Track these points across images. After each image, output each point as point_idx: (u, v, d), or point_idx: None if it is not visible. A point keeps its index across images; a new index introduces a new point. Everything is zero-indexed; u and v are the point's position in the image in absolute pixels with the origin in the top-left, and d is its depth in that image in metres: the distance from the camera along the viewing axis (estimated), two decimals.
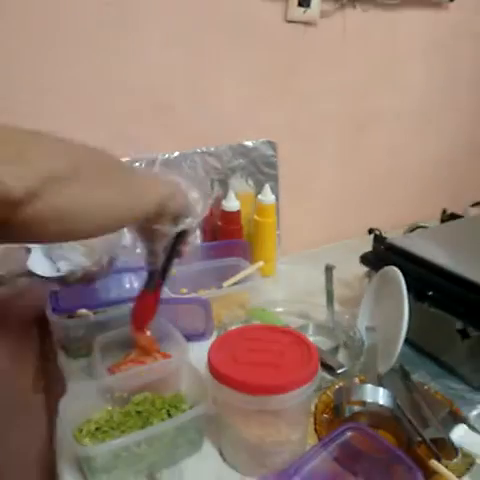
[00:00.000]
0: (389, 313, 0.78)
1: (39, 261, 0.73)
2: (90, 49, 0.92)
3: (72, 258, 0.71)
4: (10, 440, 1.04)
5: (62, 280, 0.73)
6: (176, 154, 1.04)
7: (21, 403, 1.04)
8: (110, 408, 0.66)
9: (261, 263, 1.00)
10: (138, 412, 0.65)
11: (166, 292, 0.87)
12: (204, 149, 1.06)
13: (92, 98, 0.94)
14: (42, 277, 0.73)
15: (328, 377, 0.73)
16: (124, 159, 0.98)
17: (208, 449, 0.65)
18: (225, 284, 0.95)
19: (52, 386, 0.89)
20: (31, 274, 0.73)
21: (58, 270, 0.72)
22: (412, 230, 1.06)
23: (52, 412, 0.93)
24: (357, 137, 1.27)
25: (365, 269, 0.96)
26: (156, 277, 0.69)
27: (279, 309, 0.93)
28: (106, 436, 0.61)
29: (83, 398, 0.65)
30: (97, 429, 0.62)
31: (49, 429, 1.05)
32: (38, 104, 0.90)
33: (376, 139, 1.30)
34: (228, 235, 1.06)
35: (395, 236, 0.93)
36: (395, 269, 0.79)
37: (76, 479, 0.61)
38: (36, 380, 1.04)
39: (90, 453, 0.58)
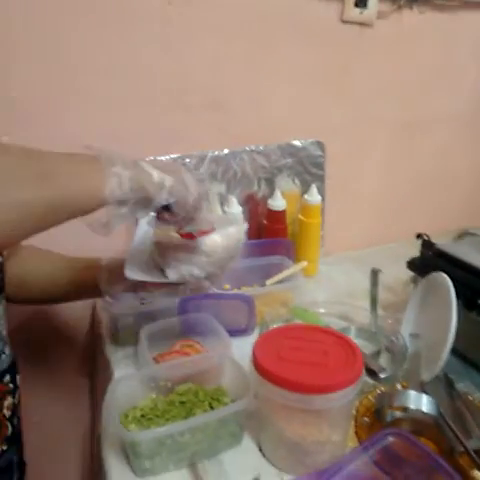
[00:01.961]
0: (435, 320, 0.77)
1: (139, 269, 0.69)
2: (143, 44, 0.94)
3: (185, 267, 0.66)
4: (54, 418, 1.09)
5: (173, 289, 0.70)
6: (226, 152, 1.05)
7: (67, 384, 1.09)
8: (154, 396, 0.68)
9: (305, 263, 1.00)
10: (181, 402, 0.66)
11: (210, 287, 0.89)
12: (253, 147, 1.07)
13: (142, 94, 0.96)
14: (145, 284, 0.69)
15: (370, 381, 0.73)
16: (174, 156, 1.00)
17: (248, 443, 0.66)
18: (268, 282, 0.95)
19: (98, 371, 0.92)
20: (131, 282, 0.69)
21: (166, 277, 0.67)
22: (461, 236, 1.03)
23: (96, 397, 0.97)
24: (408, 140, 1.25)
25: (410, 274, 0.94)
26: None
27: (321, 310, 0.93)
28: (151, 423, 0.63)
29: (129, 385, 0.67)
30: (142, 416, 0.64)
31: (91, 412, 1.09)
32: (86, 102, 0.94)
33: (427, 142, 1.27)
34: (273, 234, 1.06)
35: (444, 242, 0.91)
36: (444, 275, 0.77)
37: (120, 462, 0.63)
38: (83, 364, 1.08)
39: (136, 438, 0.60)
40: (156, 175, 0.57)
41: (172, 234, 0.68)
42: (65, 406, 1.10)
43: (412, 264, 0.90)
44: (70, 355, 1.08)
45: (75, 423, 1.12)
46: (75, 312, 1.03)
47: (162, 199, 0.57)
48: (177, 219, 0.62)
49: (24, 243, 0.85)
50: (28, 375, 0.78)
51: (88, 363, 1.06)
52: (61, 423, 1.10)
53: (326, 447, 0.60)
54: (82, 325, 1.05)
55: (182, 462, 0.63)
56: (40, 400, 1.04)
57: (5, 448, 0.70)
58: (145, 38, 0.93)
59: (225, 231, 0.68)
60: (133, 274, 0.68)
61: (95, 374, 0.97)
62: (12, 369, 0.73)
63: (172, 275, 0.67)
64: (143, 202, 0.57)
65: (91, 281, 0.76)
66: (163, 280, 0.68)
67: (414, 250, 0.94)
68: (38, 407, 1.00)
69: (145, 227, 0.73)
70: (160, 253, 0.69)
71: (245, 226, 0.72)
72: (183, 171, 0.61)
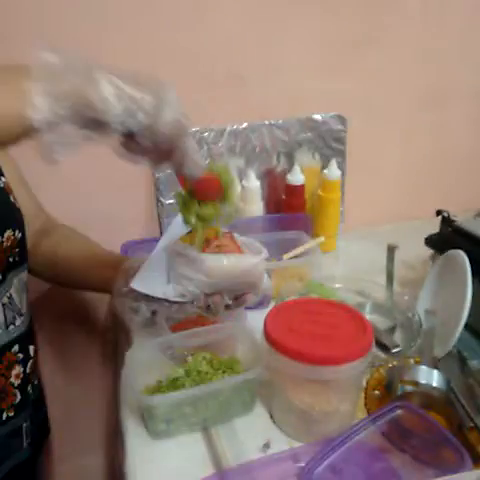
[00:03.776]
0: (451, 297, 0.77)
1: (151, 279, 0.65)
2: (159, 20, 0.93)
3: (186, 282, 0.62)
4: (78, 385, 1.13)
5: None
6: (244, 125, 1.05)
7: (92, 351, 1.13)
8: (171, 363, 0.70)
9: (322, 238, 1.00)
10: (197, 370, 0.68)
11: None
12: (272, 121, 1.07)
13: (161, 69, 0.96)
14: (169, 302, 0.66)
15: (382, 355, 0.74)
16: (193, 130, 1.00)
17: (260, 411, 0.68)
18: (285, 256, 0.96)
19: (122, 340, 0.95)
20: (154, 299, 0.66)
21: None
22: None
23: (119, 362, 1.00)
24: (432, 114, 1.21)
25: (430, 251, 0.94)
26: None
27: (337, 285, 0.93)
28: (167, 389, 0.66)
29: (147, 352, 0.70)
30: (159, 382, 0.67)
31: (115, 378, 1.13)
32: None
33: (450, 118, 1.24)
34: (291, 209, 1.06)
35: (464, 219, 0.89)
36: (461, 253, 0.77)
37: (137, 426, 0.66)
38: (106, 332, 1.11)
39: (152, 403, 0.62)
40: (109, 89, 0.44)
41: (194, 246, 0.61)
42: (90, 373, 1.15)
43: (430, 240, 0.90)
44: (95, 322, 1.11)
45: (100, 389, 1.16)
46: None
47: (115, 121, 0.45)
48: (145, 149, 0.50)
49: (59, 223, 0.88)
50: (53, 342, 0.81)
51: (111, 329, 1.10)
52: (85, 389, 1.15)
53: (334, 417, 0.62)
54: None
55: (196, 426, 0.65)
56: (64, 367, 1.08)
57: (11, 415, 0.72)
58: (161, 14, 0.93)
59: (237, 258, 0.64)
60: (138, 285, 0.66)
61: (119, 342, 1.01)
62: (23, 339, 0.74)
63: (169, 292, 0.63)
64: (93, 124, 0.45)
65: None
66: (160, 296, 0.64)
67: (435, 228, 0.93)
68: (62, 373, 1.04)
69: (176, 230, 0.68)
70: (170, 265, 0.64)
71: (263, 256, 0.68)
72: (166, 89, 0.48)
